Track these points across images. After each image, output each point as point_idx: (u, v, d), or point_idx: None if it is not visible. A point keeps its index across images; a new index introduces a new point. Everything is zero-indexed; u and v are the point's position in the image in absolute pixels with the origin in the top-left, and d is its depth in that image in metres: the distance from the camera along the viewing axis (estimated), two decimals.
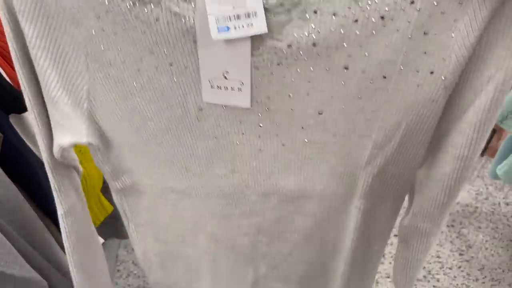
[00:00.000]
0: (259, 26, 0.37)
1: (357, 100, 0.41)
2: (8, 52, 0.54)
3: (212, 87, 0.42)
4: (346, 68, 0.39)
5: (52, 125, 0.46)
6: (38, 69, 0.43)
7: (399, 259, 0.61)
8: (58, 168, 0.50)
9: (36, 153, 0.59)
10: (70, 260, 0.56)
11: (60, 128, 0.46)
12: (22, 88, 0.44)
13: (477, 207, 1.56)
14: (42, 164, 0.61)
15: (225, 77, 0.41)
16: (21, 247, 0.56)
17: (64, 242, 0.54)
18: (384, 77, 0.39)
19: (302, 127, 0.44)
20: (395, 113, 0.42)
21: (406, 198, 0.55)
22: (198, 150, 0.48)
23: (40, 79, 0.43)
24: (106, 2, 0.38)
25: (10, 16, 0.40)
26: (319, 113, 0.43)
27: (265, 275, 0.68)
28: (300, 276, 0.67)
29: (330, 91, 0.41)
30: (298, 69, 0.39)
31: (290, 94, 0.41)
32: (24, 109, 0.55)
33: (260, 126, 0.44)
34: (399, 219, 0.58)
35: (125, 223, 0.64)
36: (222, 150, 0.48)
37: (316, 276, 0.67)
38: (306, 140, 0.45)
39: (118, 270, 1.31)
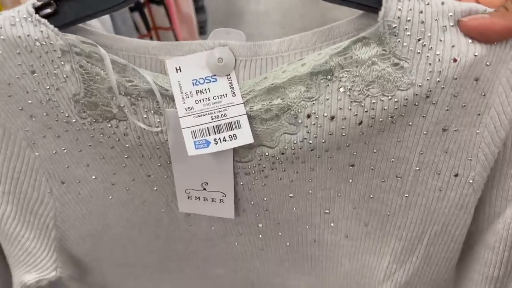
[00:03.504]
0: (244, 137, 0.31)
1: (369, 200, 0.35)
2: None
3: (189, 197, 0.37)
4: (352, 165, 0.34)
5: (10, 263, 0.40)
6: None
7: None
8: None
9: None
10: None
11: (22, 264, 0.39)
12: None
13: None
14: None
15: (205, 189, 0.36)
16: None
17: None
18: (398, 177, 0.33)
19: (307, 226, 0.39)
20: (415, 222, 0.35)
21: None
22: (192, 254, 0.43)
23: None
24: (64, 120, 0.33)
25: None
26: (325, 212, 0.38)
27: None
28: None
29: (335, 188, 0.35)
30: (296, 171, 0.34)
31: (291, 195, 0.36)
32: None
33: (259, 226, 0.39)
34: None
35: None
36: (219, 252, 0.43)
37: None
38: (314, 240, 0.40)
39: None
